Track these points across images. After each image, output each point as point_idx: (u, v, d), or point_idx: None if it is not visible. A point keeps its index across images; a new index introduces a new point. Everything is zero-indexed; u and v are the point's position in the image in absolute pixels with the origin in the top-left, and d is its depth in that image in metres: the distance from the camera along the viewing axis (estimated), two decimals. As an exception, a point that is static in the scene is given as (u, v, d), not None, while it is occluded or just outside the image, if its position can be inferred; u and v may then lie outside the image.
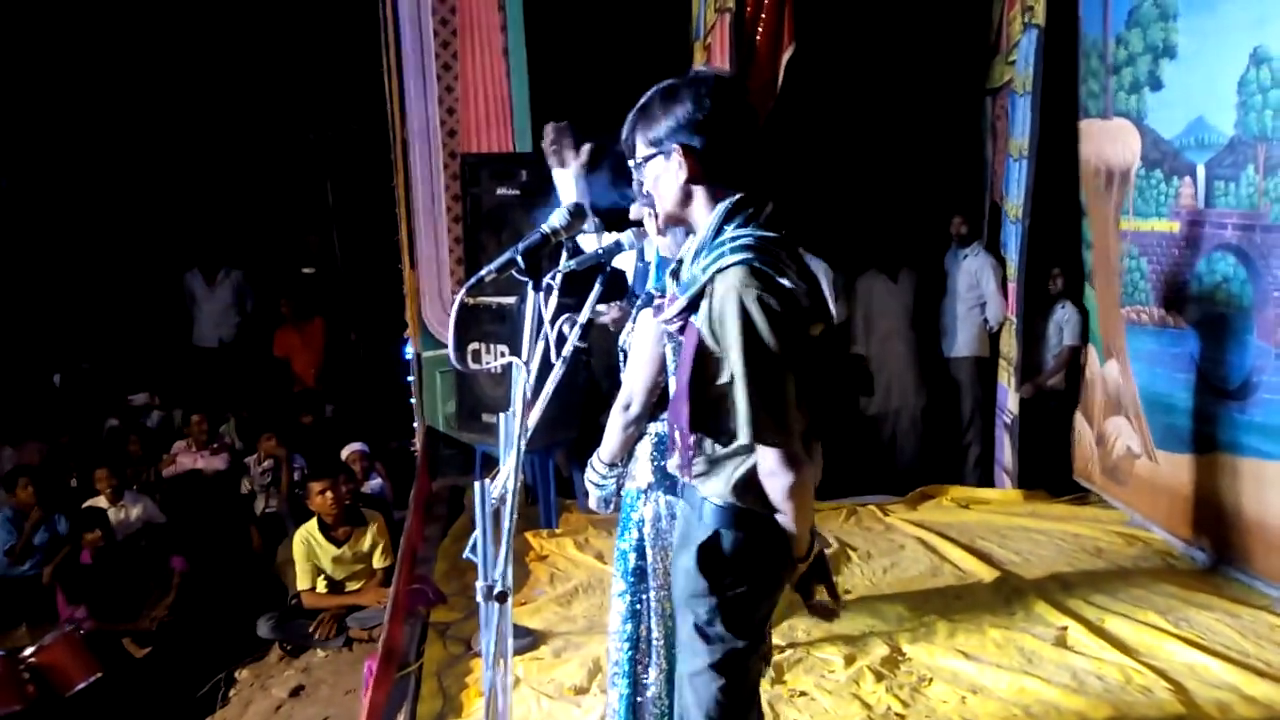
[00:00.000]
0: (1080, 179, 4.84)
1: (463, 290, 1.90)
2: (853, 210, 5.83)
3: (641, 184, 1.87)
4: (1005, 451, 5.18)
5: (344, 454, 5.68)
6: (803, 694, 3.13)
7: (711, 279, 1.73)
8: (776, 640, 3.39)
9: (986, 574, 4.04)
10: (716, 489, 1.83)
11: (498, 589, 1.74)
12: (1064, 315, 5.32)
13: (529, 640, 3.47)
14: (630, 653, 2.41)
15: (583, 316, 2.04)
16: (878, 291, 5.66)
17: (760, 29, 5.01)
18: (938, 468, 5.49)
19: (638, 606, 2.40)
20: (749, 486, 1.79)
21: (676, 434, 1.85)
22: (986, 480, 5.32)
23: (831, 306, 5.26)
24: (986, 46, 5.68)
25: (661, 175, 1.83)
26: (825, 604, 1.93)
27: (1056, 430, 5.20)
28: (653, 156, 1.83)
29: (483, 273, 1.88)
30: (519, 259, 1.86)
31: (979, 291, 5.41)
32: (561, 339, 2.00)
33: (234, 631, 4.61)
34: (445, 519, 4.95)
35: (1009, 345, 5.14)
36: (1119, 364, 4.69)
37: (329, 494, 4.55)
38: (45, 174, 7.41)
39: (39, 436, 6.25)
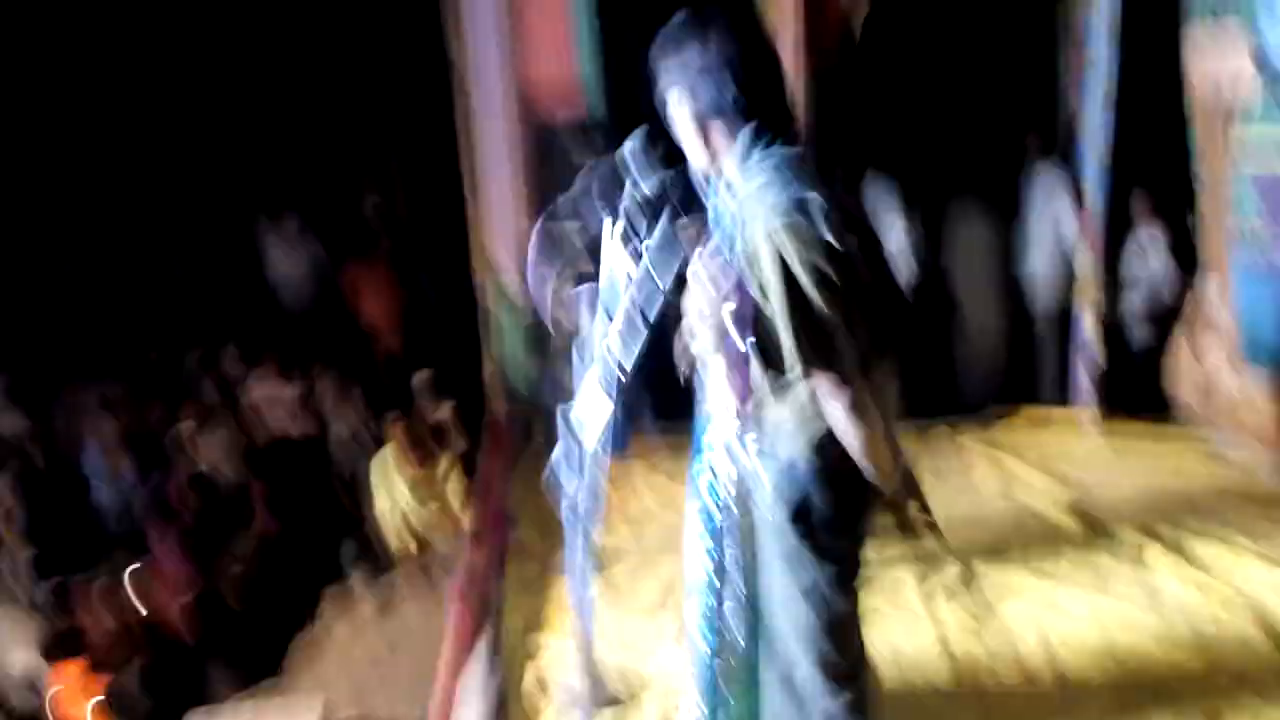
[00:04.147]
0: (1185, 86, 4.61)
1: (540, 221, 1.92)
2: (940, 132, 5.68)
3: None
4: (1082, 373, 5.10)
5: (415, 383, 5.80)
6: (875, 611, 3.16)
7: (757, 239, 1.74)
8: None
9: (1062, 494, 4.01)
10: (798, 449, 1.85)
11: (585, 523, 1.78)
12: (1152, 243, 5.16)
13: (610, 569, 3.54)
14: (717, 607, 2.38)
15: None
16: (972, 212, 5.55)
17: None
18: (1011, 387, 5.40)
19: (725, 562, 2.37)
20: (831, 444, 1.81)
21: (733, 375, 1.86)
22: (1060, 399, 5.23)
23: (909, 258, 5.24)
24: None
25: (674, 112, 1.89)
26: (920, 520, 1.96)
27: (1141, 354, 5.10)
28: (666, 91, 1.89)
29: (560, 201, 1.91)
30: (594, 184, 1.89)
31: (1053, 210, 5.27)
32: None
33: (319, 563, 4.78)
34: (514, 447, 5.03)
35: (1087, 267, 5.02)
36: (1218, 278, 4.55)
37: (417, 455, 4.69)
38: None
39: (123, 375, 6.41)
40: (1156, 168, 4.96)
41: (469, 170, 5.38)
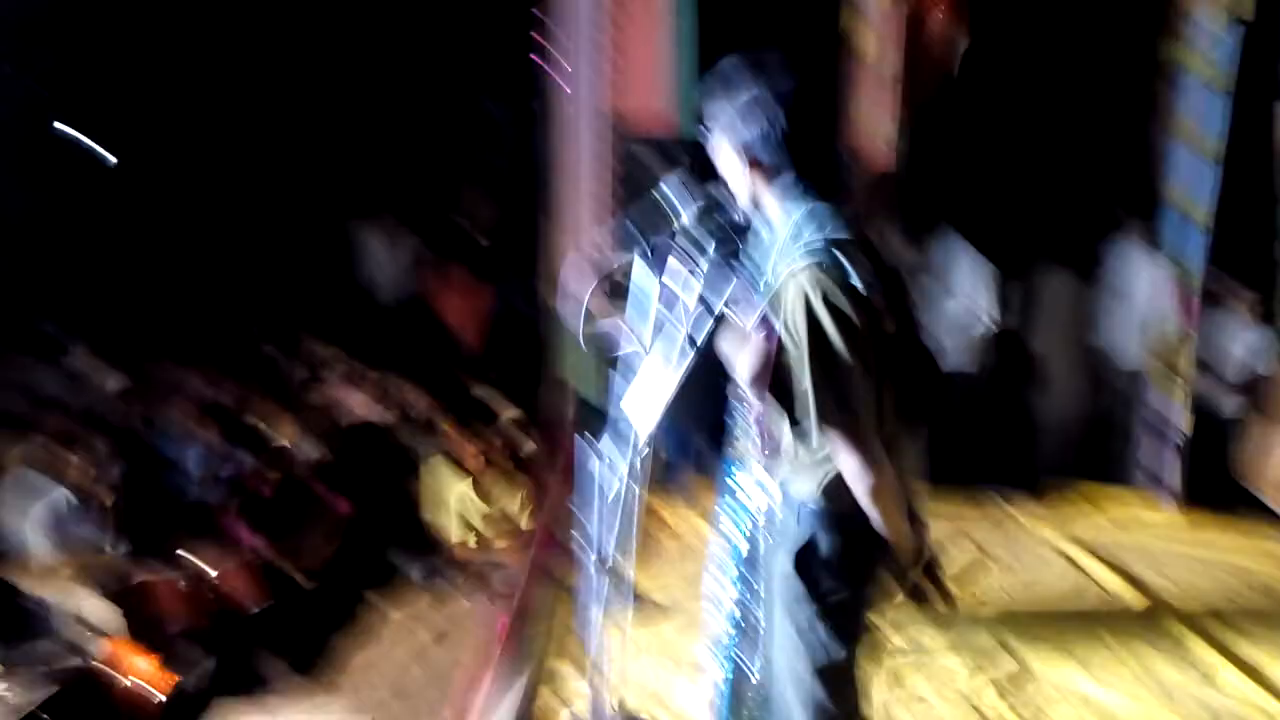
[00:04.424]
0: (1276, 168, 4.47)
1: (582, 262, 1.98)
2: (1035, 202, 5.59)
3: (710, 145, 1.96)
4: (1169, 469, 4.91)
5: (500, 414, 5.94)
6: (922, 700, 3.10)
7: (784, 282, 1.78)
8: (901, 644, 3.38)
9: (1135, 600, 3.86)
10: (808, 490, 1.87)
11: (607, 560, 1.82)
12: (1256, 340, 4.96)
13: (648, 609, 3.56)
14: (737, 637, 2.42)
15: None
16: (1062, 288, 5.44)
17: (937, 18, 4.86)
18: (1076, 462, 5.22)
19: (747, 593, 2.41)
20: (840, 489, 1.82)
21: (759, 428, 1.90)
22: (1125, 479, 5.05)
23: (990, 309, 5.16)
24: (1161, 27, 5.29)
25: (727, 160, 1.93)
26: (936, 603, 1.94)
27: (1227, 452, 4.89)
28: (713, 132, 1.93)
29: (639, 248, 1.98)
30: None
31: (1139, 284, 5.10)
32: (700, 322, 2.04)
33: (388, 573, 4.92)
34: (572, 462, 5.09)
35: (1182, 359, 4.84)
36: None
37: (482, 456, 4.83)
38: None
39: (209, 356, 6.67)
40: (1248, 249, 4.78)
41: (551, 186, 5.47)
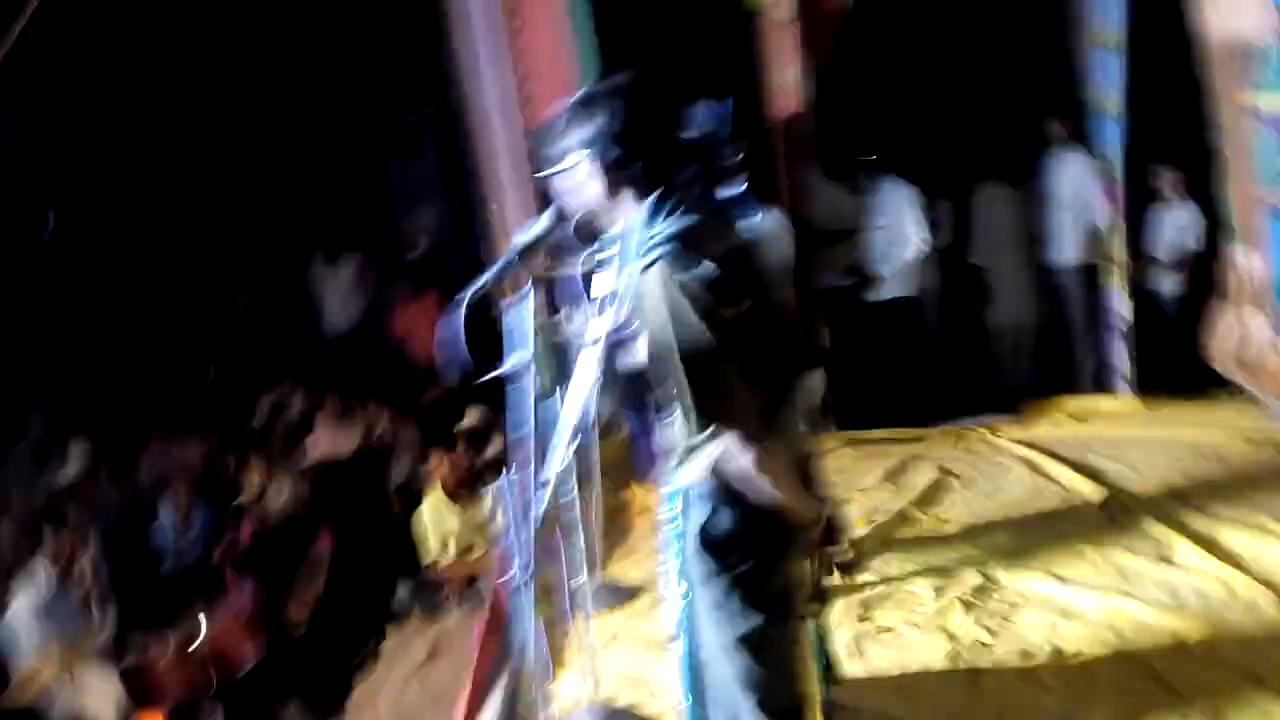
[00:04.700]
0: (1200, 58, 4.49)
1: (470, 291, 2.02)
2: (961, 117, 5.64)
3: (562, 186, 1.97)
4: (1120, 357, 4.99)
5: (465, 422, 5.97)
6: (889, 630, 3.16)
7: (633, 281, 1.82)
8: (869, 577, 3.44)
9: (1093, 492, 3.93)
10: (698, 471, 1.91)
11: (525, 578, 1.87)
12: (1183, 217, 5.03)
13: (627, 595, 3.62)
14: (689, 612, 2.48)
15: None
16: (995, 201, 5.49)
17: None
18: (1049, 378, 5.32)
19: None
20: (725, 467, 1.86)
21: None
22: (1102, 389, 5.13)
23: (920, 234, 5.22)
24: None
25: (582, 182, 1.93)
26: (839, 563, 1.99)
27: (1177, 333, 4.97)
28: (575, 164, 1.92)
29: (484, 279, 2.01)
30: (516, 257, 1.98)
31: (1079, 193, 5.17)
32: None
33: (378, 600, 4.98)
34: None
35: (1115, 248, 4.91)
36: (1256, 250, 4.41)
37: (447, 463, 4.87)
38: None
39: (195, 428, 6.71)
40: (1176, 140, 4.84)
41: (485, 208, 5.50)
